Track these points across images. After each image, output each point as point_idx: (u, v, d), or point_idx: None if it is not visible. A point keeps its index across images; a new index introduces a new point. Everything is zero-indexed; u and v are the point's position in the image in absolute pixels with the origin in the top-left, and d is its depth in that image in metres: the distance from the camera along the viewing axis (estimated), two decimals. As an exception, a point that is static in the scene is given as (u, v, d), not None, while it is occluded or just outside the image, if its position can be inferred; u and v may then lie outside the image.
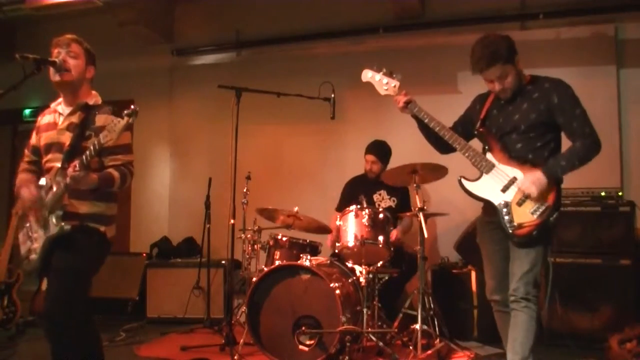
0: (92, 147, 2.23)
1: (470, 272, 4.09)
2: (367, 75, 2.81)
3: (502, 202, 2.51)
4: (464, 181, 2.63)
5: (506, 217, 2.49)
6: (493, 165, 2.56)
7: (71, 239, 2.36)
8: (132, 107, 2.22)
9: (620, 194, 3.95)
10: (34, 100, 6.32)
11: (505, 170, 2.54)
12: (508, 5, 4.82)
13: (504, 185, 2.52)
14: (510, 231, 2.47)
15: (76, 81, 2.49)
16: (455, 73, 4.84)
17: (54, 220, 2.35)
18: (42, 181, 2.48)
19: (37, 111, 6.29)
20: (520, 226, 2.45)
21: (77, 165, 2.24)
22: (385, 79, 2.76)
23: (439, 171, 3.55)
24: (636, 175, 4.43)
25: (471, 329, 4.00)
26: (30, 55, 2.33)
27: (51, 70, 2.44)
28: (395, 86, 2.74)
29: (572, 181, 3.91)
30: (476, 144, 2.67)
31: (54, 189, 2.36)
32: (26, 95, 6.19)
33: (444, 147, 2.73)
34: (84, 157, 2.24)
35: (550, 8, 4.66)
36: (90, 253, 2.44)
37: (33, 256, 2.44)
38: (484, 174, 2.58)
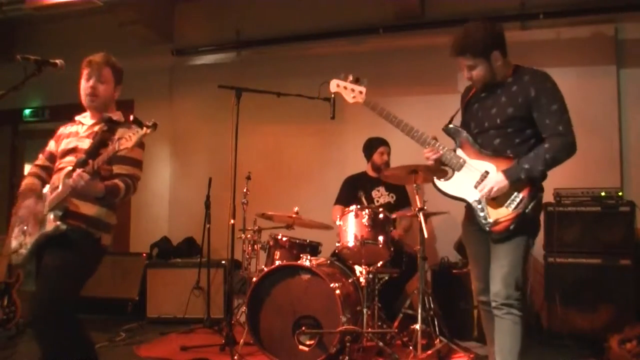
0: (107, 153, 2.25)
1: (470, 272, 4.08)
2: (335, 85, 2.75)
3: (477, 199, 2.45)
4: (436, 181, 2.58)
5: (481, 214, 2.43)
6: (464, 162, 2.50)
7: (65, 238, 2.35)
8: (153, 121, 2.23)
9: (620, 194, 3.94)
10: (34, 101, 6.33)
11: (476, 165, 2.48)
12: (508, 5, 4.82)
13: (477, 181, 2.46)
14: (487, 228, 2.41)
15: (104, 104, 2.59)
16: (455, 73, 4.83)
17: (51, 217, 2.35)
18: (46, 189, 2.50)
19: (37, 111, 6.37)
20: (496, 222, 2.39)
21: (87, 170, 2.25)
22: (351, 86, 2.71)
23: (439, 172, 3.54)
24: (636, 175, 4.43)
25: (471, 329, 3.99)
26: (31, 57, 2.34)
27: (82, 91, 2.56)
28: (362, 92, 2.70)
29: (572, 181, 3.96)
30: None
31: (60, 188, 2.36)
32: (26, 95, 6.21)
33: None
34: (96, 161, 2.26)
35: (550, 8, 4.67)
36: (82, 257, 2.42)
37: (22, 250, 2.43)
38: (455, 172, 2.53)
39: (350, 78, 2.72)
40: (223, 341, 3.72)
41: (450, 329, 3.65)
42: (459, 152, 2.54)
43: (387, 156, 4.42)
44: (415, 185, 3.54)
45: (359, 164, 4.58)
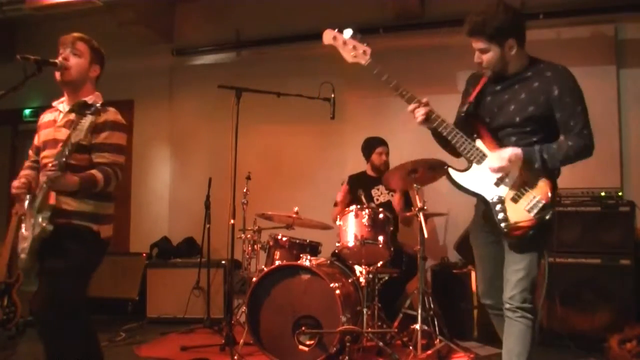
0: (65, 148, 2.21)
1: (470, 272, 4.09)
2: (330, 37, 2.43)
3: (496, 198, 2.28)
4: (452, 171, 2.36)
5: (500, 215, 2.25)
6: (484, 155, 2.30)
7: (61, 238, 2.32)
8: (97, 105, 2.25)
9: (620, 194, 3.95)
10: (34, 100, 6.32)
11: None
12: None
13: (498, 177, 2.29)
14: (505, 230, 2.25)
15: (77, 79, 2.49)
16: (455, 73, 4.83)
17: (40, 220, 2.30)
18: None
19: (37, 111, 6.34)
20: (516, 226, 2.23)
21: (54, 166, 2.20)
22: (353, 42, 2.39)
23: (438, 170, 3.54)
24: (636, 175, 4.43)
25: (471, 329, 4.00)
26: (31, 57, 2.33)
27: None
28: (365, 52, 2.39)
29: (572, 181, 3.94)
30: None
31: (43, 187, 2.33)
32: (26, 95, 6.19)
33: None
34: (60, 157, 2.21)
35: (550, 8, 4.66)
36: (82, 253, 2.39)
37: (23, 255, 2.41)
38: (474, 164, 2.33)
39: (352, 32, 2.40)
40: (223, 341, 3.72)
41: (450, 329, 3.66)
42: (479, 143, 2.34)
43: (385, 156, 4.41)
44: (415, 185, 3.55)
45: (359, 164, 4.58)
